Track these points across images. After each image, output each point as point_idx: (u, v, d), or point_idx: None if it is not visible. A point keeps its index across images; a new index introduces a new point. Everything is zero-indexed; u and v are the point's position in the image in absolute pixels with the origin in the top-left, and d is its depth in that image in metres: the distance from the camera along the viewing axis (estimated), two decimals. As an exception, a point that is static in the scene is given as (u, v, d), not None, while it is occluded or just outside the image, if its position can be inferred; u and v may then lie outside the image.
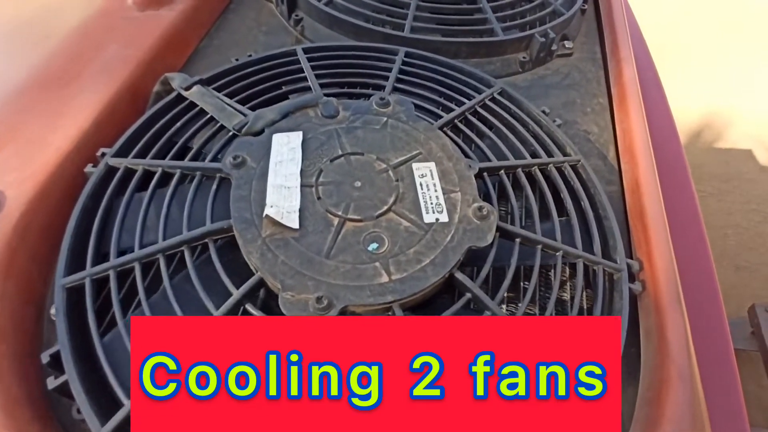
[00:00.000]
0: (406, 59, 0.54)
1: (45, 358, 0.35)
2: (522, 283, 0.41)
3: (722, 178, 2.16)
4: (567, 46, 0.64)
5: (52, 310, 0.37)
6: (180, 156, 0.45)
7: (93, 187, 0.42)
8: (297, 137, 0.42)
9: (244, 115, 0.45)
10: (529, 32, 0.60)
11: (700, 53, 2.67)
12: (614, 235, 0.42)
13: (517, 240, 0.40)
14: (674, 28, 2.78)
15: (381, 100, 0.45)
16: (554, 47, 0.62)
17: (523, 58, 0.61)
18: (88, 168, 0.44)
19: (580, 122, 0.57)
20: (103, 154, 0.45)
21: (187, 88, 0.49)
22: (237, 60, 0.54)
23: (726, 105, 2.42)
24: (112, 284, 0.36)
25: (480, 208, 0.38)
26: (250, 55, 0.54)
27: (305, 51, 0.54)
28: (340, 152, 0.41)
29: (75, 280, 0.37)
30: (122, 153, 0.45)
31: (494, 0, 0.64)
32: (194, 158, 0.44)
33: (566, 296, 0.41)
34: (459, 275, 0.36)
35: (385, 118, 0.44)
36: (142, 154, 0.44)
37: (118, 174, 0.43)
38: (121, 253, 0.38)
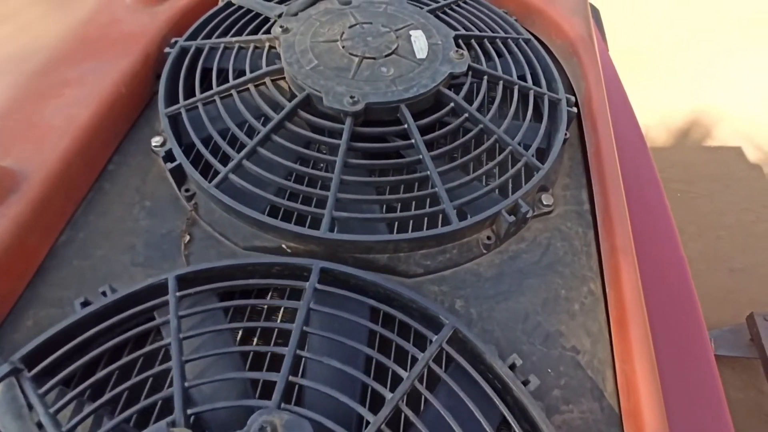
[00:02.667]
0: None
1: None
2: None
3: (712, 178, 2.10)
4: (545, 203, 0.50)
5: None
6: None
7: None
8: None
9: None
10: (492, 211, 0.45)
11: (688, 52, 2.61)
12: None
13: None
14: (663, 28, 2.74)
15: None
16: (528, 214, 0.47)
17: (488, 239, 0.47)
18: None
19: (566, 333, 0.44)
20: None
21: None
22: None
23: (714, 103, 2.35)
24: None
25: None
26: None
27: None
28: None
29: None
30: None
31: (445, 172, 0.47)
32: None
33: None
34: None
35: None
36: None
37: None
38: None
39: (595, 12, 1.31)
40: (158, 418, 0.35)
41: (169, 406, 0.33)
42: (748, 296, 1.72)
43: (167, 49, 0.59)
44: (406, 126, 0.49)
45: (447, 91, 0.52)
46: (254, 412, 0.32)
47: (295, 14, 0.59)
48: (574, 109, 0.57)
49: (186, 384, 0.34)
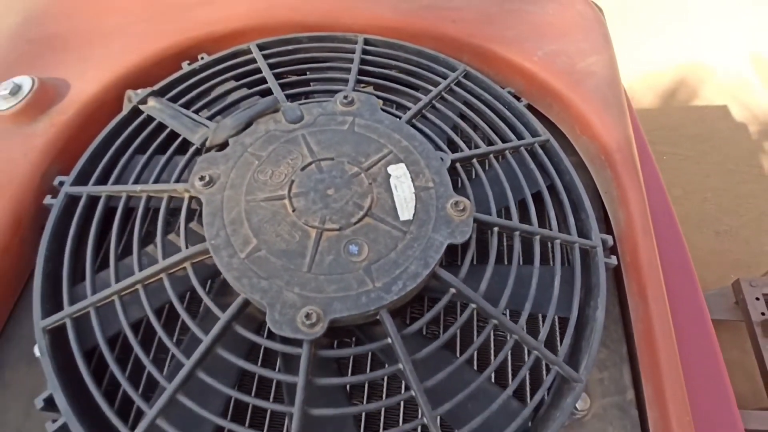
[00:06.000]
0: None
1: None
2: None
3: (698, 139, 2.12)
4: (579, 408, 0.38)
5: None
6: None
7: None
8: None
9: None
10: None
11: (672, 8, 2.61)
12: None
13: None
14: None
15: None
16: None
17: None
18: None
19: None
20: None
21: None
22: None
23: (701, 62, 2.35)
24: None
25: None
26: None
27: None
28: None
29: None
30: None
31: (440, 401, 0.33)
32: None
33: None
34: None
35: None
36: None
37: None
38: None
39: (600, 13, 1.12)
40: None
41: None
42: (733, 257, 1.77)
43: (48, 200, 0.42)
44: (389, 341, 0.34)
45: (444, 274, 0.37)
46: None
47: (224, 145, 0.41)
48: (614, 260, 0.42)
49: None
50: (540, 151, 0.47)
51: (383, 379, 0.41)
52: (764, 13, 2.51)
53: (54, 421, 0.34)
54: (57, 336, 0.37)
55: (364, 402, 0.40)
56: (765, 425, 1.24)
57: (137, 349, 0.35)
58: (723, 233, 1.84)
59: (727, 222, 1.87)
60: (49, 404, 0.34)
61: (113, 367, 0.34)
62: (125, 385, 0.34)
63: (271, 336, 0.34)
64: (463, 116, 0.49)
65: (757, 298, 1.46)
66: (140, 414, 0.36)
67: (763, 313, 1.43)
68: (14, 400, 0.38)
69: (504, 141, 0.47)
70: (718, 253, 1.79)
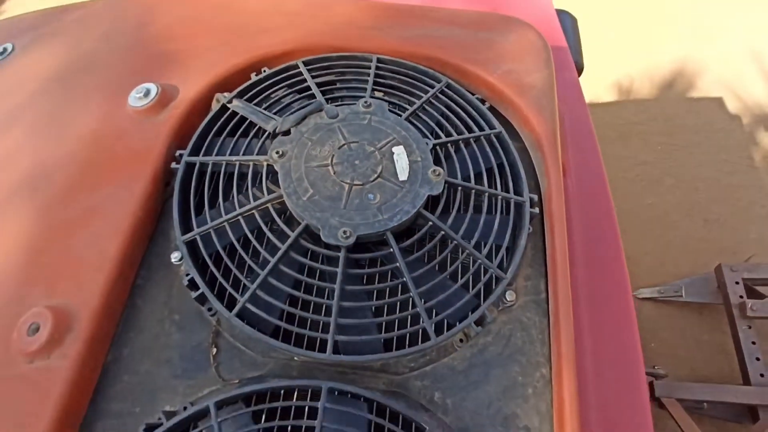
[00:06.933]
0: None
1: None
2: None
3: (693, 130, 2.13)
4: (509, 299, 0.60)
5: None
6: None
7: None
8: None
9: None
10: (462, 325, 0.56)
11: (674, 2, 2.58)
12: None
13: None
14: None
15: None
16: (492, 320, 0.59)
17: (460, 341, 0.58)
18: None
19: (521, 414, 0.55)
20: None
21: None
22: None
23: (699, 55, 2.35)
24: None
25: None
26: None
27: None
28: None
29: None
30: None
31: (427, 297, 0.57)
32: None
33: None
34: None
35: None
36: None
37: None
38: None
39: (572, 21, 1.32)
40: None
41: None
42: (720, 245, 1.86)
43: (174, 165, 0.66)
44: (392, 250, 0.58)
45: (426, 213, 0.60)
46: None
47: (288, 132, 0.65)
48: (536, 210, 0.66)
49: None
50: (495, 139, 0.70)
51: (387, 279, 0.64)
52: (761, 9, 2.52)
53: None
54: (190, 246, 0.60)
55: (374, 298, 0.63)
56: (739, 399, 1.37)
57: (241, 252, 0.58)
58: (712, 221, 1.90)
59: (716, 210, 1.92)
60: (191, 282, 0.58)
61: (226, 259, 0.58)
62: (235, 271, 0.58)
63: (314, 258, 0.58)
64: (443, 115, 0.72)
65: (737, 282, 1.55)
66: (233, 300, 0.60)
67: (741, 296, 1.51)
68: (158, 287, 0.62)
69: (470, 132, 0.70)
70: (706, 240, 1.87)
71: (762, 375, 1.41)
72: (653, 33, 2.48)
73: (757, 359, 1.44)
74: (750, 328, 1.48)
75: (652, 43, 2.45)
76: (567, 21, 1.29)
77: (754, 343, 1.46)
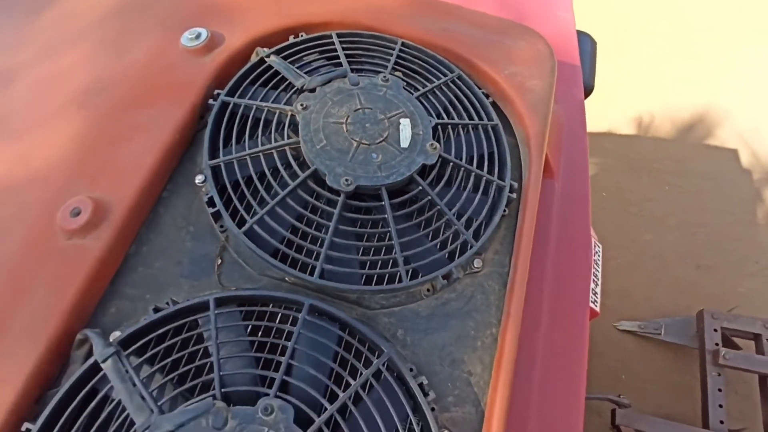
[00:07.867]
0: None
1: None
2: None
3: (703, 176, 2.17)
4: (476, 266, 0.69)
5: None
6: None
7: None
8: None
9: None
10: (430, 276, 0.65)
11: (702, 50, 2.61)
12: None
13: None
14: (681, 21, 2.70)
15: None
16: (458, 278, 0.68)
17: (427, 290, 0.67)
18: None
19: (467, 360, 0.63)
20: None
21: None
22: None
23: (722, 104, 2.39)
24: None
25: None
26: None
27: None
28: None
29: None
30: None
31: (406, 248, 0.66)
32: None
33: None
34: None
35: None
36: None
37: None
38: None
39: (591, 43, 1.40)
40: (200, 392, 0.58)
41: (209, 386, 0.56)
42: (707, 292, 1.90)
43: (211, 101, 0.76)
44: (383, 203, 0.68)
45: (418, 178, 0.70)
46: (261, 396, 0.55)
47: (313, 90, 0.75)
48: (514, 195, 0.76)
49: (221, 373, 0.57)
50: (490, 130, 0.80)
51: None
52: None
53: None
54: (213, 171, 0.71)
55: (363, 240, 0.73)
56: None
57: (257, 183, 0.69)
58: (704, 267, 1.95)
59: (710, 258, 1.97)
60: (209, 200, 0.68)
61: (243, 186, 0.68)
62: (249, 197, 0.68)
63: (318, 198, 0.68)
64: (450, 101, 0.82)
65: (715, 330, 1.60)
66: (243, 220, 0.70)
67: (717, 344, 1.57)
68: (180, 201, 0.72)
69: (470, 119, 0.80)
70: (695, 284, 1.90)
71: (722, 422, 1.48)
72: (681, 76, 2.51)
73: (720, 406, 1.50)
74: (719, 375, 1.54)
75: (678, 83, 2.48)
76: (586, 43, 1.37)
77: (720, 390, 1.52)
